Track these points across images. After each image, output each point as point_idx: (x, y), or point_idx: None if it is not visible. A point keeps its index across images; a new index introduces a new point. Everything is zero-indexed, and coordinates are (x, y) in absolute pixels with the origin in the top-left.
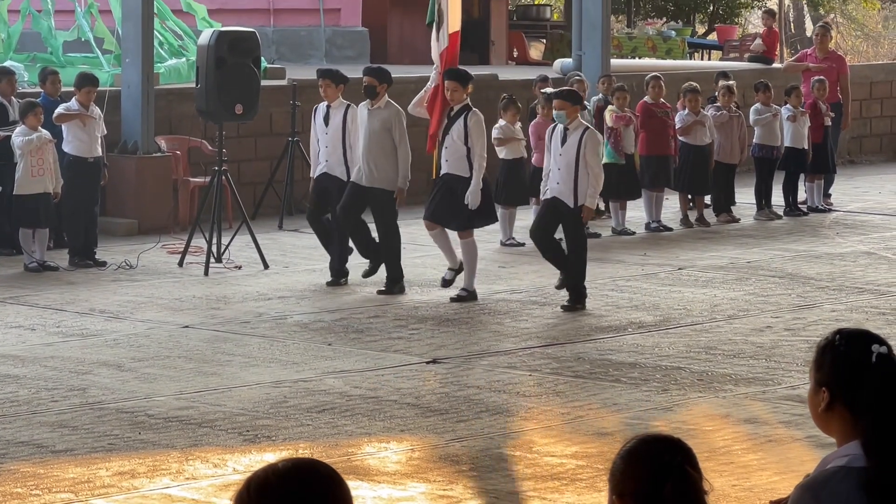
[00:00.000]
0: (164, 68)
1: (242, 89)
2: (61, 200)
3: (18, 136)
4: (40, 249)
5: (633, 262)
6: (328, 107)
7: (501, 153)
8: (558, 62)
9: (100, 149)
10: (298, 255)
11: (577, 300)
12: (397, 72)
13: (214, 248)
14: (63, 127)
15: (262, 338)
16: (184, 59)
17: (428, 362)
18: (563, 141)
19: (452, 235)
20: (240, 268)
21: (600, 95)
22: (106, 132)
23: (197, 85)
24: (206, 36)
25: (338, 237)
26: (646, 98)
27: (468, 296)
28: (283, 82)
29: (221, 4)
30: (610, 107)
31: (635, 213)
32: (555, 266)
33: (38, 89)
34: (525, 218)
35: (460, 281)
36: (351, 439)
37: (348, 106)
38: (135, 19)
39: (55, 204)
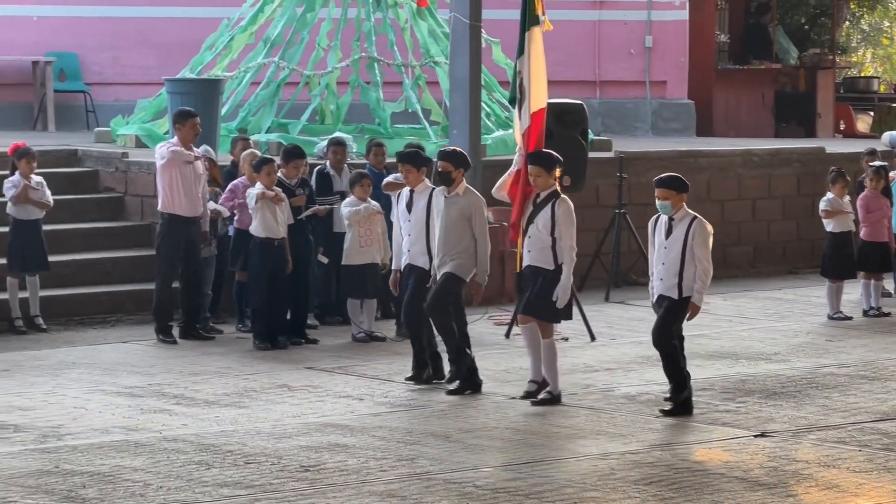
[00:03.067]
0: (491, 140)
1: (570, 161)
2: (389, 270)
3: (346, 206)
4: (368, 320)
5: None
6: (411, 192)
7: (829, 226)
8: (886, 135)
9: None
10: (625, 326)
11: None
12: (722, 145)
13: None
14: (391, 196)
15: (589, 409)
16: (511, 131)
17: (756, 436)
18: (668, 233)
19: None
20: (566, 339)
21: None
22: None
23: None
24: None
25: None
26: None
27: (551, 399)
28: (610, 154)
29: (548, 76)
30: None
31: None
32: (668, 377)
33: (366, 160)
34: (853, 291)
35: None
36: None
37: (433, 190)
38: (462, 91)
39: (383, 274)
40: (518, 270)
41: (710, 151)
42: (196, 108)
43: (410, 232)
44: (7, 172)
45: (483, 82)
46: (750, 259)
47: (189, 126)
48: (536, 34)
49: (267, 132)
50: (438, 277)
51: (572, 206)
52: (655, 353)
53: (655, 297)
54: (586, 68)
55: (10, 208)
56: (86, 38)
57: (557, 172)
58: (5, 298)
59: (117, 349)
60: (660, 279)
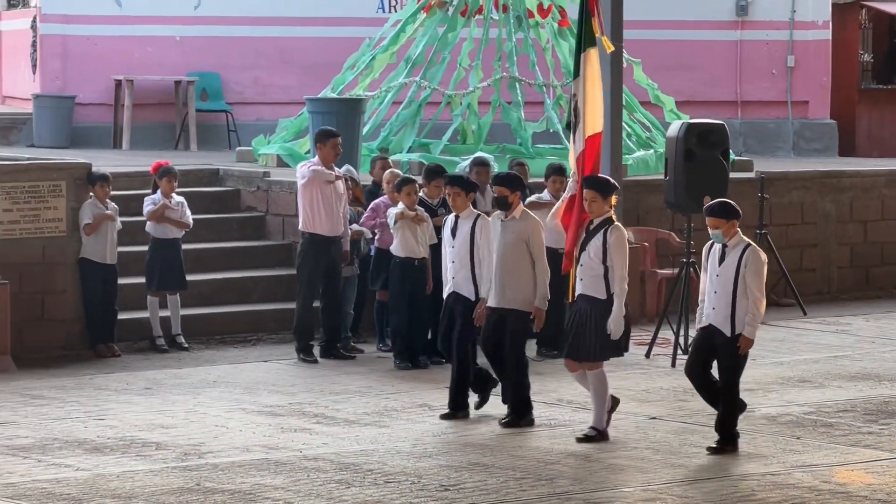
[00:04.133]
0: (633, 160)
1: (711, 181)
2: None
3: None
4: None
5: None
6: (457, 217)
7: None
8: None
9: (561, 241)
10: (765, 347)
11: (727, 441)
12: (865, 165)
13: (682, 340)
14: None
15: None
16: (651, 151)
17: None
18: (722, 260)
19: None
20: None
21: None
22: None
23: (665, 177)
24: (674, 128)
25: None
26: None
27: (597, 435)
28: (751, 175)
29: (689, 96)
30: None
31: None
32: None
33: None
34: None
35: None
36: None
37: (478, 216)
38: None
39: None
40: (571, 300)
41: (853, 172)
42: (337, 127)
43: (454, 259)
44: (149, 191)
45: (624, 102)
46: (894, 280)
47: (330, 146)
48: (593, 56)
49: (408, 152)
50: (503, 314)
51: (626, 234)
52: (796, 374)
53: (705, 323)
54: (728, 88)
55: (149, 226)
56: (227, 57)
57: (614, 200)
58: (147, 317)
59: (258, 368)
60: (712, 307)
